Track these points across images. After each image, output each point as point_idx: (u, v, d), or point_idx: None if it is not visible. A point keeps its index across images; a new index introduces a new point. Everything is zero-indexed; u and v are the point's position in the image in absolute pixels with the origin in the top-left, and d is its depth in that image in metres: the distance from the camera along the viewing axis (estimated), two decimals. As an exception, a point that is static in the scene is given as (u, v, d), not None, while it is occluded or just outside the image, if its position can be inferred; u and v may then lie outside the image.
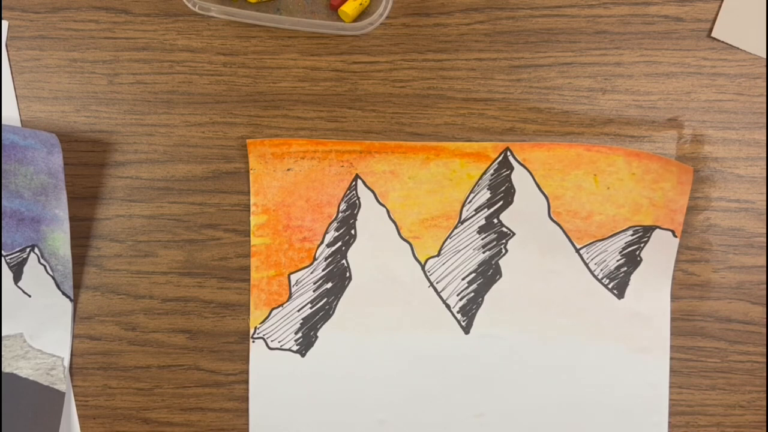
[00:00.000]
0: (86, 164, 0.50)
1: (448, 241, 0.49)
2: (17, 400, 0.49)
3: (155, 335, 0.50)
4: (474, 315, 0.49)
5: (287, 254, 0.49)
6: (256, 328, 0.49)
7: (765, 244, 0.49)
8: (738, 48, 0.49)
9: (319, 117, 0.50)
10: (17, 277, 0.49)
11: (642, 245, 0.49)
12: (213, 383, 0.50)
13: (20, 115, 0.50)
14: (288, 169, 0.49)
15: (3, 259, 0.49)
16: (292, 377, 0.49)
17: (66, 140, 0.50)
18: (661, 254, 0.48)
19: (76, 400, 0.50)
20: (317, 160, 0.49)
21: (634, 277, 0.49)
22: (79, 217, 0.50)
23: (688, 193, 0.48)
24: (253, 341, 0.49)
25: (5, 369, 0.49)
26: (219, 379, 0.50)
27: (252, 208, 0.49)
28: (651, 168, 0.48)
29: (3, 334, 0.50)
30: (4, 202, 0.48)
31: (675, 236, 0.48)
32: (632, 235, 0.49)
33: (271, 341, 0.49)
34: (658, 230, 0.48)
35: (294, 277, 0.49)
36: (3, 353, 0.49)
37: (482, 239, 0.49)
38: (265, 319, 0.49)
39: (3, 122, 0.50)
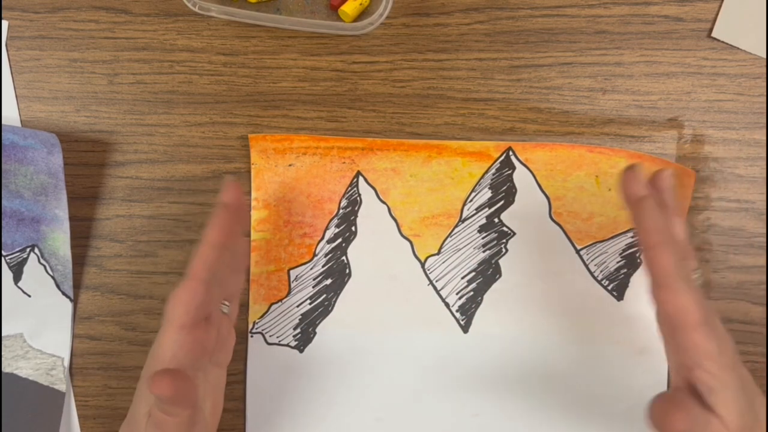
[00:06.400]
0: (86, 164, 0.50)
1: (449, 239, 0.49)
2: (17, 400, 0.49)
3: (155, 335, 0.50)
4: (473, 314, 0.49)
5: (287, 249, 0.49)
6: (254, 322, 0.49)
7: (765, 244, 0.49)
8: (738, 48, 0.49)
9: (319, 117, 0.50)
10: (17, 277, 0.49)
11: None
12: (213, 383, 0.50)
13: (20, 115, 0.50)
14: (289, 165, 0.49)
15: (3, 259, 0.49)
16: (289, 373, 0.49)
17: (66, 140, 0.50)
18: (661, 256, 0.48)
19: (76, 400, 0.50)
20: (319, 156, 0.49)
21: (634, 279, 0.49)
22: (79, 217, 0.50)
23: (690, 196, 0.48)
24: (252, 336, 0.49)
25: (5, 369, 0.49)
26: (219, 379, 0.50)
27: (252, 203, 0.49)
28: (653, 171, 0.48)
29: (3, 334, 0.50)
30: (4, 202, 0.48)
31: None
32: (633, 237, 0.49)
33: (270, 336, 0.49)
34: None
35: (294, 273, 0.49)
36: (3, 353, 0.49)
37: (483, 238, 0.49)
38: (264, 314, 0.49)
39: (3, 122, 0.50)
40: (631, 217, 0.38)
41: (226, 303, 0.43)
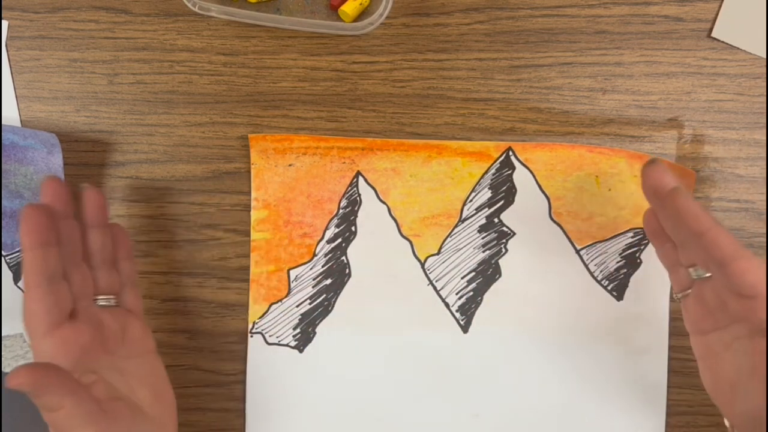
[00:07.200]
0: (86, 164, 0.50)
1: (449, 239, 0.49)
2: (17, 400, 0.49)
3: (155, 335, 0.50)
4: (473, 314, 0.49)
5: (287, 249, 0.49)
6: (254, 322, 0.49)
7: (765, 244, 0.49)
8: (738, 48, 0.49)
9: (319, 117, 0.50)
10: (17, 277, 0.49)
11: (642, 247, 0.49)
12: (213, 383, 0.50)
13: (20, 115, 0.50)
14: (289, 165, 0.49)
15: (3, 259, 0.49)
16: (289, 373, 0.49)
17: (66, 140, 0.50)
18: (661, 257, 0.49)
19: (76, 400, 0.50)
20: (319, 156, 0.49)
21: (634, 279, 0.49)
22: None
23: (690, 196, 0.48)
24: (251, 336, 0.50)
25: (5, 369, 0.49)
26: (219, 379, 0.50)
27: (253, 203, 0.49)
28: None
29: (3, 334, 0.49)
30: (4, 202, 0.48)
31: None
32: (632, 237, 0.49)
33: (270, 336, 0.49)
34: None
35: (293, 273, 0.49)
36: (3, 353, 0.49)
37: (482, 238, 0.49)
38: (264, 314, 0.49)
39: (3, 122, 0.50)
40: (659, 210, 0.39)
41: (107, 296, 0.42)
